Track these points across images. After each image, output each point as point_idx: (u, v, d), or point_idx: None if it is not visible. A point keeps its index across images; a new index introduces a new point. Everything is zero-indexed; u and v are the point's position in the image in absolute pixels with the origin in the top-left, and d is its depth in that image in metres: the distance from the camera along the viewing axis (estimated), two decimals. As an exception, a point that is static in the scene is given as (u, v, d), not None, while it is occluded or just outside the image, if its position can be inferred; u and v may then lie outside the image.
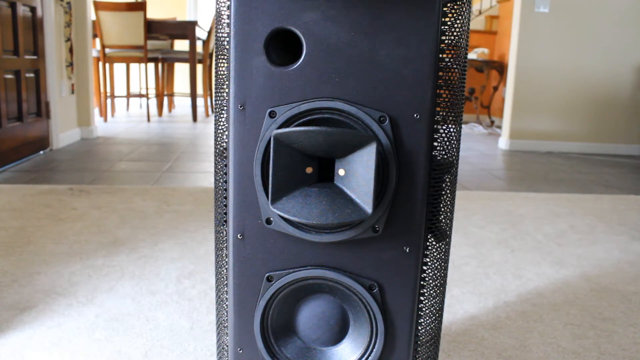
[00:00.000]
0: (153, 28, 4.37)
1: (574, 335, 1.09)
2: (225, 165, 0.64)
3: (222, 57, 0.64)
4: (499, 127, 4.36)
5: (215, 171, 0.69)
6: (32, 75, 2.87)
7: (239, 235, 0.63)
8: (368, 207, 0.56)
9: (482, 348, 1.02)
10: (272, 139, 0.56)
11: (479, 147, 3.77)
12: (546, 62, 3.56)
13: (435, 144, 0.62)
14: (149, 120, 4.69)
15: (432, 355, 0.70)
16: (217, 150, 0.68)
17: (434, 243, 0.67)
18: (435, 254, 0.67)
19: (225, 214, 0.66)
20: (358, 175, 0.57)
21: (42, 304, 1.15)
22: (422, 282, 0.65)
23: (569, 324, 1.14)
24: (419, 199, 0.61)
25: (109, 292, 1.22)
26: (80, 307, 1.15)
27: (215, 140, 0.68)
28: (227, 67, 0.62)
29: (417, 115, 0.59)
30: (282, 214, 0.57)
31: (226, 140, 0.64)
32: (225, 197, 0.65)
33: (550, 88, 3.61)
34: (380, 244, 0.62)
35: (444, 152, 0.64)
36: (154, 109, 5.43)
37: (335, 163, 0.59)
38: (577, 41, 3.53)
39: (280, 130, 0.56)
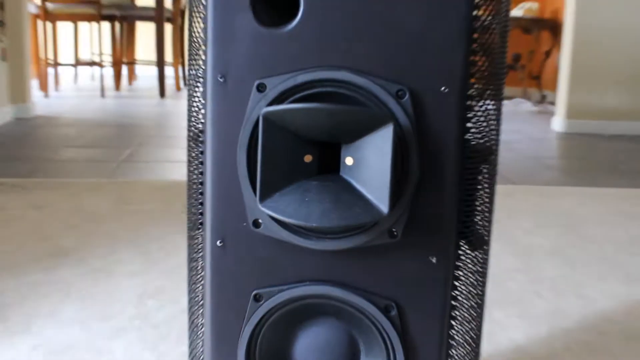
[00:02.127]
0: (108, -24, 4.38)
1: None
2: (201, 153, 0.65)
3: (198, 14, 0.64)
4: (552, 103, 4.36)
5: (188, 160, 0.70)
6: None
7: (218, 242, 0.64)
8: (383, 206, 0.57)
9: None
10: (260, 119, 0.56)
11: (527, 128, 3.77)
12: (614, 20, 3.55)
13: (469, 125, 0.62)
14: (103, 95, 4.70)
15: (466, 395, 0.70)
16: (191, 134, 0.68)
17: (468, 252, 0.67)
18: (470, 265, 0.68)
19: (202, 214, 0.66)
20: (370, 164, 0.57)
21: (-35, 331, 1.16)
22: (453, 302, 0.66)
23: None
24: (448, 196, 0.61)
25: (50, 317, 1.22)
26: (12, 336, 1.14)
27: (189, 121, 0.68)
28: (203, 27, 0.62)
29: (445, 89, 0.59)
30: (273, 214, 0.58)
31: (202, 121, 0.64)
32: (201, 194, 0.66)
33: (619, 53, 3.59)
34: (399, 253, 0.63)
35: (480, 136, 0.64)
36: (109, 81, 5.44)
37: (341, 150, 0.59)
38: (654, -8, 3.52)
39: (271, 108, 0.57)
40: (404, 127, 0.59)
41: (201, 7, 0.62)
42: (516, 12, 4.80)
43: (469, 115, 0.62)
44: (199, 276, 0.70)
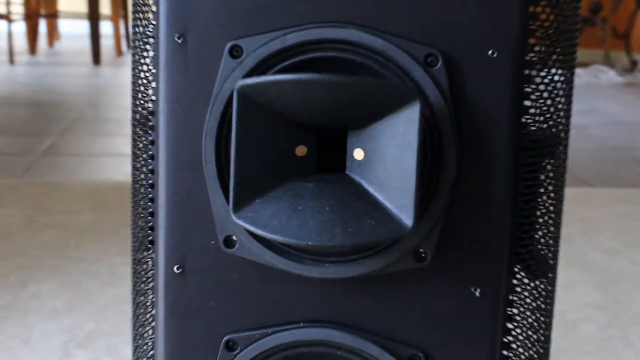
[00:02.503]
0: None
1: None
2: (152, 144, 0.65)
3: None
4: (647, 72, 4.36)
5: (133, 154, 0.70)
6: None
7: (176, 268, 0.64)
8: (407, 217, 0.57)
9: None
10: (235, 95, 0.57)
11: (610, 108, 3.77)
12: None
13: (528, 103, 0.62)
14: (12, 61, 4.70)
15: None
16: (138, 117, 0.68)
17: (526, 281, 0.67)
18: (528, 300, 0.68)
19: (152, 229, 0.67)
20: (388, 159, 0.57)
21: None
22: (504, 352, 0.66)
23: None
24: (497, 203, 0.62)
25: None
26: None
27: (134, 98, 0.69)
28: (153, -34, 0.62)
29: (493, 53, 0.60)
30: (253, 228, 0.58)
31: (153, 98, 0.65)
32: (152, 200, 0.66)
33: None
34: (428, 283, 0.63)
35: (542, 119, 0.64)
36: (21, 41, 5.44)
37: (347, 139, 0.60)
38: None
39: (249, 81, 0.57)
40: (435, 107, 0.59)
41: (151, -62, 0.63)
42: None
43: (528, 89, 0.62)
44: (148, 316, 0.71)
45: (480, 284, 0.63)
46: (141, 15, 0.66)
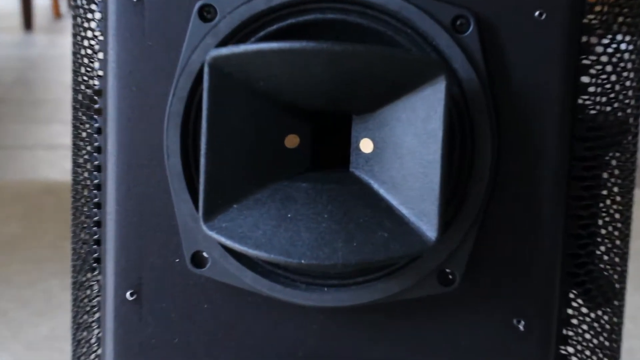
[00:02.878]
0: None
1: None
2: (99, 132, 0.65)
3: None
4: None
5: (75, 146, 0.70)
6: None
7: (129, 294, 0.64)
8: (429, 228, 0.57)
9: None
10: (206, 69, 0.57)
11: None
12: None
13: (586, 79, 0.63)
14: None
15: None
16: (80, 98, 0.68)
17: (584, 310, 0.67)
18: (588, 336, 0.68)
19: (98, 244, 0.67)
20: (405, 152, 0.58)
21: None
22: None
23: None
24: (546, 209, 0.62)
25: None
26: None
27: (76, 73, 0.69)
28: None
29: (541, 14, 0.60)
30: (229, 242, 0.58)
31: (100, 73, 0.65)
32: (98, 206, 0.66)
33: None
34: (457, 314, 0.63)
35: (605, 100, 0.64)
36: None
37: (352, 126, 0.60)
38: None
39: (224, 51, 0.57)
40: (465, 85, 0.60)
41: None
42: None
43: (586, 61, 0.62)
44: (92, 357, 0.71)
45: (524, 314, 0.63)
46: (84, -34, 0.67)
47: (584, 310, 0.67)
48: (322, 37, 0.59)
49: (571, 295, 0.66)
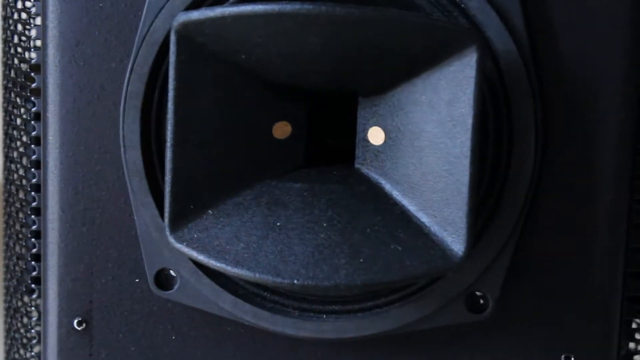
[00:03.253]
0: None
1: None
2: (37, 118, 0.65)
3: None
4: None
5: (6, 136, 0.70)
6: None
7: (76, 323, 0.64)
8: (455, 241, 0.57)
9: None
10: (173, 38, 0.57)
11: None
12: None
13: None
14: None
15: None
16: (12, 75, 0.68)
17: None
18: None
19: (37, 260, 0.67)
20: (425, 145, 0.58)
21: None
22: None
23: None
24: (602, 219, 0.62)
25: None
26: None
27: (6, 44, 0.69)
28: None
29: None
30: (202, 257, 0.58)
31: (38, 43, 0.65)
32: (37, 212, 0.66)
33: None
34: (490, 347, 0.64)
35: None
36: None
37: (358, 111, 0.60)
38: None
39: (196, 15, 0.56)
40: (503, 58, 0.60)
41: None
42: None
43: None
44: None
45: (575, 350, 0.63)
46: None
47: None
48: (320, -2, 0.59)
49: (634, 325, 0.66)
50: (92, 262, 0.64)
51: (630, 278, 0.64)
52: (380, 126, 0.59)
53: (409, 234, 0.58)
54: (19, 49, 0.67)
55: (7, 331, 0.72)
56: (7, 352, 0.72)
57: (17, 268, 0.69)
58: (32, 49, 0.66)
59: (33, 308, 0.69)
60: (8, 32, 0.68)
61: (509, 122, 0.60)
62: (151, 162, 0.62)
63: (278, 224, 0.58)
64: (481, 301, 0.61)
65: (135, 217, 0.62)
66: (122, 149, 0.62)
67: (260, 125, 0.60)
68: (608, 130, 0.61)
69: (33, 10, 0.65)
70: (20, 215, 0.69)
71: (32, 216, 0.67)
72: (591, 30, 0.60)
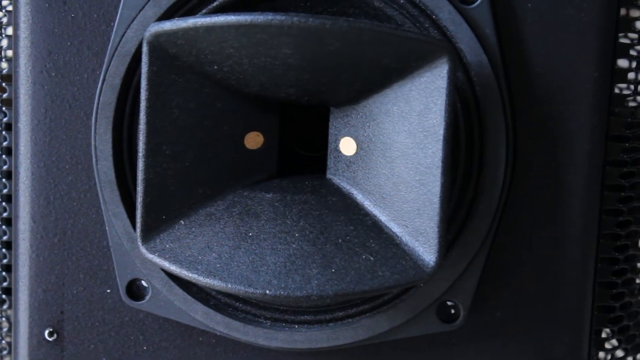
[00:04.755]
0: None
1: None
2: (8, 128, 0.65)
3: None
4: None
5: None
6: None
7: (47, 333, 0.64)
8: (427, 250, 0.57)
9: None
10: (145, 48, 0.57)
11: None
12: None
13: (624, 63, 0.62)
14: None
15: None
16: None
17: (620, 355, 0.68)
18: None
19: (7, 270, 0.66)
20: (397, 155, 0.57)
21: None
22: None
23: None
24: (572, 228, 0.62)
25: None
26: None
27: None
28: None
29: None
30: (174, 268, 0.57)
31: (9, 52, 0.64)
32: (7, 222, 0.66)
33: None
34: (462, 357, 0.63)
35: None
36: None
37: (330, 121, 0.60)
38: None
39: (168, 25, 0.56)
40: (473, 68, 0.60)
41: None
42: None
43: (624, 40, 0.62)
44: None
45: (546, 358, 0.64)
46: None
47: (620, 353, 0.68)
48: (290, 9, 0.59)
49: (604, 335, 0.66)
50: (63, 272, 0.63)
51: (600, 287, 0.64)
52: (352, 137, 0.59)
53: (381, 245, 0.57)
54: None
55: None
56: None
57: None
58: (3, 59, 0.66)
59: (4, 319, 0.68)
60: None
61: (480, 132, 0.60)
62: (123, 173, 0.61)
63: (250, 234, 0.58)
64: (452, 311, 0.61)
65: (107, 228, 0.62)
66: (93, 160, 0.61)
67: (233, 135, 0.59)
68: (578, 141, 0.61)
69: (4, 20, 0.65)
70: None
71: (3, 226, 0.67)
72: (561, 41, 0.60)
